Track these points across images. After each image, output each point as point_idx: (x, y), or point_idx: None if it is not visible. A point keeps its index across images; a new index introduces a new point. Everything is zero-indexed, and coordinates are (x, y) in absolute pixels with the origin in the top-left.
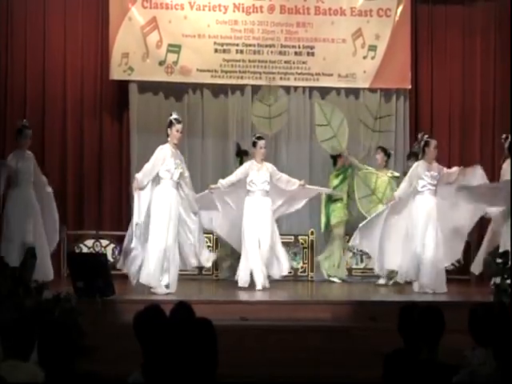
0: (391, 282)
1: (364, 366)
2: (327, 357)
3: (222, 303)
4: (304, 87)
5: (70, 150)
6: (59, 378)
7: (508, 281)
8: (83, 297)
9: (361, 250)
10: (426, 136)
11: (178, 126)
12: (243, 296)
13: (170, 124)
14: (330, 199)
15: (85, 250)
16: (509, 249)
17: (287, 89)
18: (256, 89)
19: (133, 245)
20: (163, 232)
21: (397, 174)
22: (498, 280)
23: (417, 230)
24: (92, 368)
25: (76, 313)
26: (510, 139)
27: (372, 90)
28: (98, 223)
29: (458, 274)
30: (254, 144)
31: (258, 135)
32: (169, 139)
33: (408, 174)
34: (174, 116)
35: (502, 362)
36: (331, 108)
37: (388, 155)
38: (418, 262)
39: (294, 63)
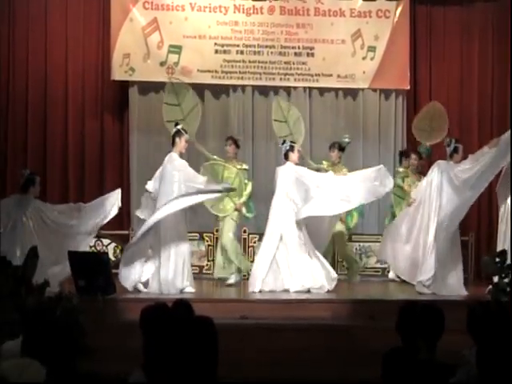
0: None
1: (363, 365)
2: (327, 355)
3: (223, 302)
4: (304, 88)
5: (72, 149)
6: (60, 376)
7: (506, 280)
8: (85, 295)
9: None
10: (455, 140)
11: (187, 136)
12: (243, 295)
13: (179, 133)
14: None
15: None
16: (505, 247)
17: (287, 89)
18: (256, 89)
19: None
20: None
21: (246, 167)
22: (496, 279)
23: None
24: (93, 367)
25: (77, 312)
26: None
27: (371, 90)
28: None
29: None
30: (293, 148)
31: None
32: (175, 148)
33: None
34: (182, 125)
35: (484, 361)
36: (288, 105)
37: (238, 147)
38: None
39: (293, 64)
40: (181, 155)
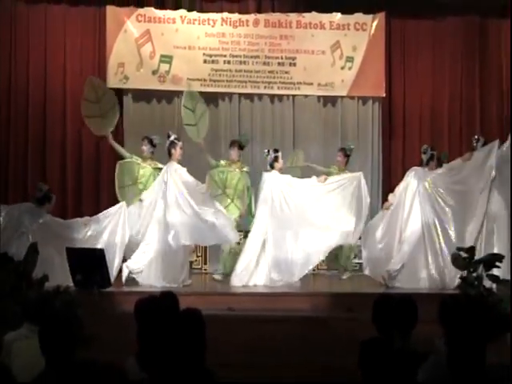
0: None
1: (341, 354)
2: (307, 344)
3: (211, 294)
4: (287, 95)
5: (70, 153)
6: (59, 365)
7: (474, 274)
8: (82, 289)
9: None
10: (430, 148)
11: (181, 144)
12: (230, 288)
13: (173, 144)
14: None
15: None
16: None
17: (271, 97)
18: (242, 96)
19: None
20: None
21: (160, 166)
22: (464, 273)
23: None
24: (89, 355)
25: (75, 304)
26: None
27: (349, 98)
28: None
29: None
30: (277, 158)
31: (275, 148)
32: (172, 157)
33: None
34: (175, 136)
35: (454, 350)
36: (198, 98)
37: (154, 146)
38: None
39: (277, 73)
40: (178, 162)
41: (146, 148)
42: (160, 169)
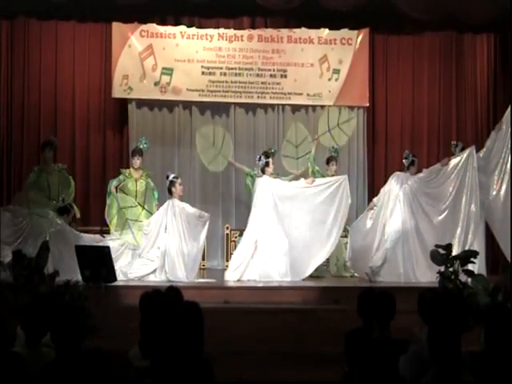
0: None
1: (329, 342)
2: (298, 334)
3: (209, 289)
4: (278, 105)
5: (78, 158)
6: (68, 353)
7: (451, 269)
8: (89, 283)
9: None
10: (412, 154)
11: (179, 180)
12: (226, 282)
13: (172, 183)
14: None
15: None
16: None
17: (264, 106)
18: (237, 105)
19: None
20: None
21: (64, 166)
22: (442, 268)
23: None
24: (96, 344)
25: (83, 298)
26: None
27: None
28: (102, 220)
29: None
30: (268, 163)
31: (266, 154)
32: (174, 194)
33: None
34: (174, 175)
35: (434, 339)
36: (304, 137)
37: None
38: None
39: (269, 84)
40: (180, 198)
41: (139, 161)
42: (64, 168)
